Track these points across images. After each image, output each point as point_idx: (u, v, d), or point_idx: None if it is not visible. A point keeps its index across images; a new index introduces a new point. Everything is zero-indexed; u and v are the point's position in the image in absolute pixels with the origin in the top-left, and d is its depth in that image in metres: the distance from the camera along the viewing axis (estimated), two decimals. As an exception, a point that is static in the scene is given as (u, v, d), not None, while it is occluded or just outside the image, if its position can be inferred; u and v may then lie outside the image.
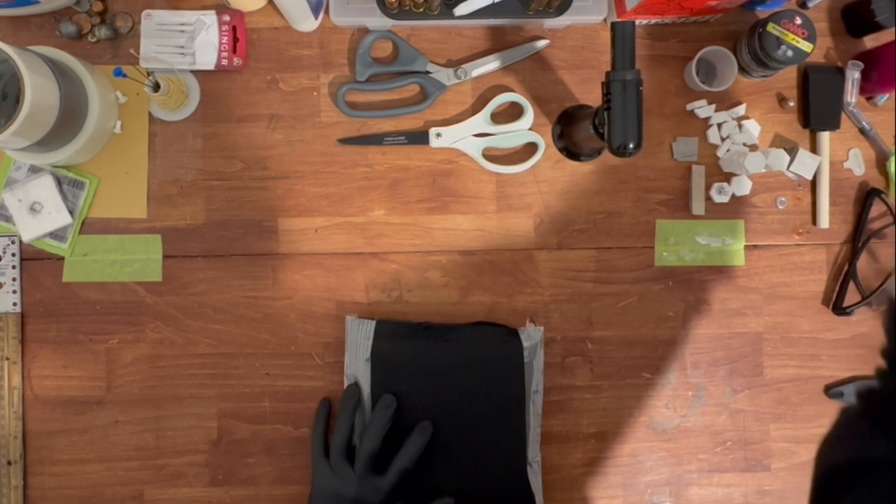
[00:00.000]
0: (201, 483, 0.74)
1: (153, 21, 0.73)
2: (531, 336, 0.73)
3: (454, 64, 0.76)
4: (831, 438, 0.53)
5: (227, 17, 0.74)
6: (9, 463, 0.73)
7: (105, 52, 0.75)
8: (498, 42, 0.76)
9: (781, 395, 0.77)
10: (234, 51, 0.74)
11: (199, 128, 0.75)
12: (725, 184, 0.77)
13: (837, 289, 0.78)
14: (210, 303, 0.75)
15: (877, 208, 0.78)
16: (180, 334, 0.75)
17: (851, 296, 0.77)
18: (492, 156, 0.76)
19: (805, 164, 0.76)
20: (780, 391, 0.77)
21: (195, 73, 0.75)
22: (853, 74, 0.76)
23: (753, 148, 0.77)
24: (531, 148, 0.76)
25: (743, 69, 0.76)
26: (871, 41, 0.78)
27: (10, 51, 0.60)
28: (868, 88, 0.77)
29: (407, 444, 0.69)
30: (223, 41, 0.73)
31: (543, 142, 0.76)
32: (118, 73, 0.74)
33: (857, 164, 0.78)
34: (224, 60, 0.73)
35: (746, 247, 0.77)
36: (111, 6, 0.75)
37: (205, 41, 0.73)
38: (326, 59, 0.76)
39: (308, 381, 0.75)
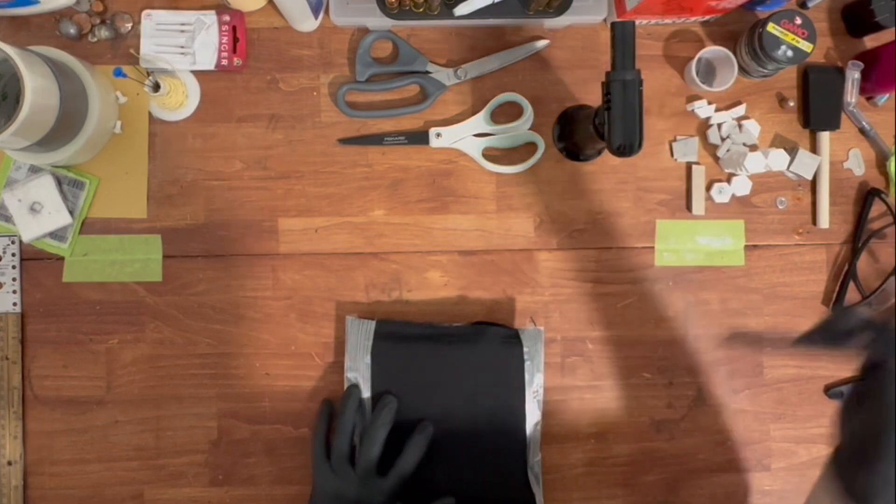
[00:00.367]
0: (201, 483, 0.74)
1: (153, 21, 0.73)
2: (531, 336, 0.73)
3: (454, 64, 0.76)
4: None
5: (227, 17, 0.74)
6: (9, 463, 0.73)
7: (105, 52, 0.75)
8: (498, 42, 0.76)
9: (781, 395, 0.77)
10: (234, 51, 0.74)
11: (199, 128, 0.75)
12: (725, 184, 0.77)
13: (837, 289, 0.78)
14: (210, 303, 0.75)
15: (877, 208, 0.78)
16: (180, 334, 0.75)
17: (851, 296, 0.77)
18: (492, 156, 0.76)
19: (805, 164, 0.76)
20: (780, 391, 0.77)
21: (195, 73, 0.74)
22: (853, 74, 0.76)
23: (753, 148, 0.77)
24: (531, 148, 0.76)
25: (743, 69, 0.76)
26: (871, 41, 0.78)
27: (10, 51, 0.60)
28: (868, 88, 0.77)
29: (408, 446, 0.69)
30: (223, 41, 0.73)
31: (543, 142, 0.76)
32: (118, 73, 0.74)
33: (857, 164, 0.78)
34: (224, 60, 0.73)
35: (746, 247, 0.77)
36: (111, 6, 0.75)
37: (205, 41, 0.73)
38: (326, 59, 0.76)
39: (308, 382, 0.75)
